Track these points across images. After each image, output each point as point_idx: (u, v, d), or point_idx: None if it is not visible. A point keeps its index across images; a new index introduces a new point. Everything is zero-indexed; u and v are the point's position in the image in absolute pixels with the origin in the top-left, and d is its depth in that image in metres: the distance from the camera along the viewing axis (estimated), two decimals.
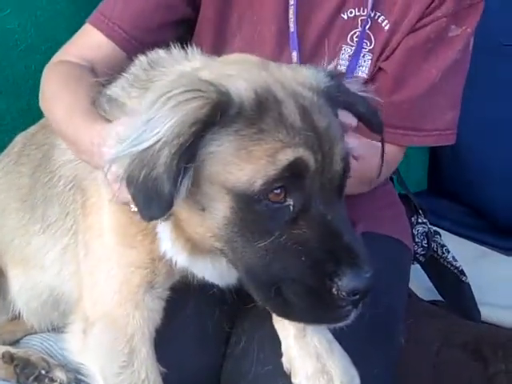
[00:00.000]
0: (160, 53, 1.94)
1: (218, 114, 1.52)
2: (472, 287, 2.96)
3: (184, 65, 1.83)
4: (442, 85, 2.25)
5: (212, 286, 1.93)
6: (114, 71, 2.03)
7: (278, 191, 1.52)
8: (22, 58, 2.98)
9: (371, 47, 2.23)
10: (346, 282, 1.50)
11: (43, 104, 2.13)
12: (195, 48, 1.91)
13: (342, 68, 2.25)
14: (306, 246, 1.53)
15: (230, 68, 1.67)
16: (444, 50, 2.24)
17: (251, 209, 1.53)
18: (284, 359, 1.87)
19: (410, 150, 2.44)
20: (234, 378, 1.97)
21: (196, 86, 1.53)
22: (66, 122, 1.95)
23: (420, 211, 2.82)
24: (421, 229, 2.80)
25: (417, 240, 2.78)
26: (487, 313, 3.04)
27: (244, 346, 1.99)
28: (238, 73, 1.63)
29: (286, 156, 1.51)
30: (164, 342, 1.90)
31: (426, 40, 2.23)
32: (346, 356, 1.85)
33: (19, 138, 2.48)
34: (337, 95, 1.73)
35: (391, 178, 2.76)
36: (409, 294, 3.03)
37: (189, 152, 1.50)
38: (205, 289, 1.96)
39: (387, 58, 2.25)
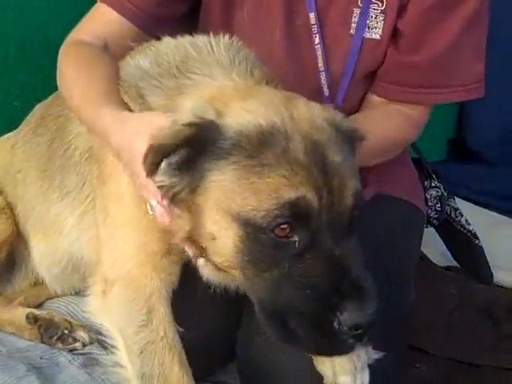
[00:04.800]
0: (188, 47, 1.96)
1: (204, 141, 1.58)
2: (487, 252, 2.99)
3: (212, 77, 1.86)
4: (465, 38, 2.21)
5: None
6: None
7: (284, 226, 1.54)
8: (41, 30, 3.01)
9: (383, 8, 2.20)
10: (347, 317, 1.51)
11: (61, 86, 2.16)
12: (222, 41, 1.95)
13: (352, 31, 2.23)
14: (311, 279, 1.55)
15: (251, 102, 1.68)
16: (463, 1, 2.17)
17: (257, 239, 1.56)
18: None
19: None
20: (248, 333, 2.01)
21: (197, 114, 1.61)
22: (81, 107, 1.99)
23: (433, 175, 2.85)
24: (434, 192, 2.80)
25: (430, 204, 2.79)
26: (501, 277, 3.06)
27: None
28: (255, 107, 1.65)
29: (289, 194, 1.53)
30: (181, 303, 1.94)
31: None
32: None
33: (37, 109, 2.54)
34: (355, 138, 1.77)
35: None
36: (422, 258, 3.10)
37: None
38: None
39: (402, 17, 2.21)
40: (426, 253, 3.17)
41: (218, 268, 1.73)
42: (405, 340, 2.20)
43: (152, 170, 1.60)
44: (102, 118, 1.87)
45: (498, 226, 3.57)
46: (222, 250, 1.63)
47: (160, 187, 1.63)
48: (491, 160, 4.12)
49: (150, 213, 1.75)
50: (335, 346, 1.57)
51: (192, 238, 1.71)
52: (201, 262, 1.79)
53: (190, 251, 1.78)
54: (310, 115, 1.66)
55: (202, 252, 1.72)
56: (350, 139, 1.73)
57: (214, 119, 1.61)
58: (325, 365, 1.83)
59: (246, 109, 1.64)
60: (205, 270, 1.82)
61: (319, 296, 1.53)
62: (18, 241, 2.50)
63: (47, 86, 2.59)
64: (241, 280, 1.67)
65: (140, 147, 1.66)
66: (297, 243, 1.56)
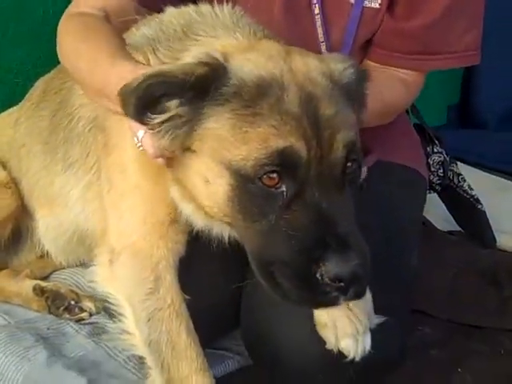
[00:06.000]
0: (192, 14, 1.96)
1: (212, 82, 1.59)
2: (490, 217, 3.00)
3: (217, 37, 1.86)
4: (459, 5, 2.22)
5: None
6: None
7: (272, 175, 1.56)
8: (39, 4, 3.01)
9: None
10: (329, 268, 1.51)
11: (63, 60, 2.16)
12: (226, 9, 1.95)
13: (352, 0, 2.22)
14: (297, 231, 1.56)
15: (252, 54, 1.70)
16: None
17: (247, 189, 1.58)
18: None
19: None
20: (252, 300, 2.03)
21: (203, 56, 1.63)
22: (91, 72, 1.96)
23: (436, 141, 2.85)
24: (436, 158, 2.81)
25: (432, 169, 2.80)
26: (504, 241, 3.08)
27: None
28: (256, 58, 1.67)
29: (277, 144, 1.55)
30: (187, 272, 1.96)
31: None
32: None
33: (39, 83, 2.55)
34: (357, 90, 1.77)
35: (406, 111, 2.78)
36: (426, 224, 3.12)
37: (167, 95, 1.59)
38: None
39: None
40: (429, 218, 3.20)
41: (209, 215, 1.75)
42: (407, 304, 2.20)
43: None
44: (119, 70, 1.84)
45: (500, 191, 3.60)
46: (214, 197, 1.64)
47: (160, 122, 1.63)
48: (494, 125, 4.14)
49: (138, 145, 1.74)
50: (319, 298, 1.57)
51: (182, 183, 1.73)
52: (190, 208, 1.81)
53: (177, 194, 1.80)
54: (307, 68, 1.67)
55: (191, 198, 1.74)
56: (350, 91, 1.73)
57: (223, 62, 1.62)
58: (327, 330, 1.84)
59: (248, 59, 1.66)
60: (194, 216, 1.83)
61: (303, 248, 1.54)
62: (23, 215, 2.52)
63: (48, 61, 2.61)
64: (232, 227, 1.70)
65: None
66: (284, 193, 1.57)
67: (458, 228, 3.13)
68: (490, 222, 3.02)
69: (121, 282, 1.95)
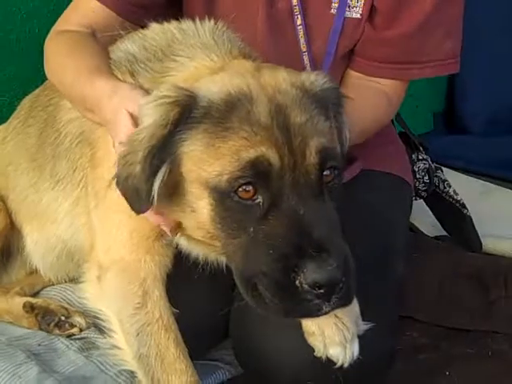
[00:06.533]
0: (174, 31, 2.00)
1: (185, 115, 1.62)
2: (476, 221, 3.04)
3: (193, 58, 1.90)
4: (438, 15, 2.25)
5: None
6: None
7: (247, 188, 1.59)
8: (25, 22, 3.02)
9: None
10: (307, 275, 1.53)
11: (50, 75, 2.20)
12: (207, 25, 1.99)
13: (333, 10, 2.26)
14: (274, 240, 1.57)
15: (221, 74, 1.75)
16: None
17: (225, 205, 1.61)
18: None
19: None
20: (241, 312, 2.04)
21: (171, 92, 1.65)
22: (74, 84, 2.01)
23: (420, 148, 2.88)
24: (422, 165, 2.85)
25: (418, 176, 2.84)
26: (490, 245, 3.12)
27: None
28: (223, 78, 1.71)
29: (249, 154, 1.57)
30: (175, 286, 1.99)
31: None
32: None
33: (26, 101, 2.57)
34: (331, 99, 1.79)
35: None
36: (413, 230, 3.16)
37: (163, 152, 1.63)
38: None
39: None
40: (417, 224, 3.23)
41: (200, 242, 1.78)
42: (395, 310, 2.23)
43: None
44: (97, 87, 1.90)
45: (485, 194, 3.63)
46: (201, 222, 1.68)
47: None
48: (479, 130, 4.18)
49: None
50: (302, 307, 1.58)
51: (176, 220, 1.77)
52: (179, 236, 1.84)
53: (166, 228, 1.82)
54: (276, 81, 1.70)
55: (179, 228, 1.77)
56: (322, 99, 1.75)
57: (191, 92, 1.65)
58: (315, 338, 1.87)
59: (214, 80, 1.70)
60: (185, 242, 1.87)
61: (281, 256, 1.56)
62: (12, 232, 2.53)
63: (35, 78, 2.63)
64: (221, 251, 1.72)
65: (124, 120, 1.74)
66: (261, 204, 1.60)
67: (445, 233, 3.16)
68: (476, 225, 3.05)
69: (109, 298, 1.98)
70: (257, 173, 1.58)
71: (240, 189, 1.59)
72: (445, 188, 2.96)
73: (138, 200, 1.66)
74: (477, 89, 4.21)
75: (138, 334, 1.91)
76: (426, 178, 2.88)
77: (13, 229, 2.52)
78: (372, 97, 2.30)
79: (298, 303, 1.57)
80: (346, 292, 1.59)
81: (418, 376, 2.23)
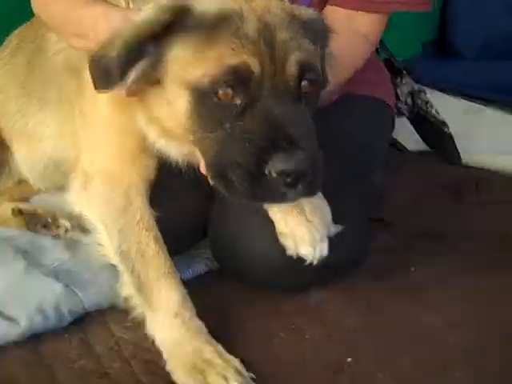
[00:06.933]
0: None
1: (177, 23, 1.74)
2: (457, 138, 3.17)
3: None
4: None
5: None
6: None
7: (227, 91, 1.71)
8: None
9: None
10: (275, 164, 1.66)
11: (39, 9, 2.26)
12: None
13: None
14: (249, 135, 1.71)
15: None
16: None
17: (204, 104, 1.74)
18: None
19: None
20: (219, 212, 2.16)
21: (168, 2, 1.77)
22: (68, 12, 2.08)
23: (404, 72, 2.95)
24: (405, 89, 2.97)
25: (401, 99, 2.95)
26: (469, 158, 3.22)
27: None
28: None
29: (232, 60, 1.70)
30: (157, 194, 2.10)
31: None
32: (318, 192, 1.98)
33: (13, 35, 2.63)
34: (318, 29, 1.89)
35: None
36: (398, 147, 3.27)
37: (145, 47, 1.74)
38: None
39: None
40: (401, 140, 3.31)
41: (174, 138, 1.90)
42: (367, 216, 2.33)
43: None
44: (94, 10, 1.99)
45: (468, 113, 3.69)
46: (176, 115, 1.80)
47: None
48: (471, 56, 4.19)
49: None
50: (269, 193, 1.72)
51: (149, 111, 1.88)
52: (155, 133, 1.94)
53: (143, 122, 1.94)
54: (267, 4, 1.82)
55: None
56: (310, 27, 1.85)
57: (186, 3, 1.77)
58: (287, 238, 1.99)
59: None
60: (159, 140, 1.96)
61: (255, 149, 1.70)
62: (1, 148, 2.59)
63: (21, 16, 2.60)
64: (194, 143, 1.83)
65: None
66: (238, 105, 1.72)
67: (427, 148, 3.26)
68: (457, 142, 3.16)
69: (94, 204, 2.09)
70: (237, 78, 1.71)
71: (220, 91, 1.72)
72: (427, 108, 3.05)
73: (105, 81, 1.77)
74: (468, 15, 4.21)
75: (119, 233, 2.02)
76: (409, 100, 2.96)
77: (2, 144, 2.58)
78: (353, 42, 2.30)
79: (266, 188, 1.70)
80: (311, 182, 1.73)
81: (384, 273, 2.30)
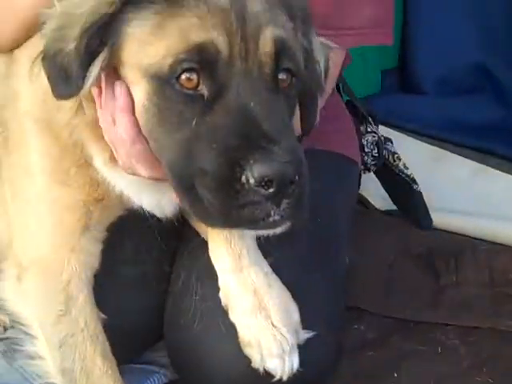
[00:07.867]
0: None
1: None
2: (427, 191, 2.96)
3: None
4: None
5: (151, 217, 1.84)
6: None
7: (191, 76, 1.45)
8: None
9: None
10: (253, 168, 1.36)
11: None
12: None
13: None
14: (219, 133, 1.42)
15: None
16: None
17: (165, 94, 1.47)
18: (221, 294, 1.83)
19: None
20: (175, 316, 1.94)
21: None
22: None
23: (369, 119, 2.75)
24: (370, 138, 2.75)
25: (367, 150, 2.74)
26: (441, 220, 3.03)
27: (183, 281, 1.95)
28: None
29: (198, 37, 1.44)
30: (102, 287, 1.84)
31: None
32: (284, 290, 1.81)
33: None
34: (298, 9, 1.63)
35: (337, 88, 2.66)
36: (364, 204, 3.09)
37: (104, 33, 1.47)
38: (143, 226, 1.89)
39: None
40: (367, 197, 3.15)
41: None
42: (341, 307, 2.13)
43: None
44: None
45: (438, 162, 3.53)
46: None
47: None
48: (430, 90, 4.13)
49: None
50: (247, 212, 1.39)
51: None
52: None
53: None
54: None
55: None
56: (288, 3, 1.60)
57: None
58: (251, 349, 1.77)
59: None
60: (117, 180, 1.72)
61: (225, 150, 1.40)
62: None
63: None
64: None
65: None
66: (205, 96, 1.46)
67: (395, 207, 3.07)
68: (427, 196, 2.97)
69: (30, 303, 1.83)
70: (203, 59, 1.44)
71: (183, 76, 1.44)
72: (394, 161, 2.87)
73: (63, 82, 1.48)
74: (428, 48, 4.13)
75: (60, 346, 1.77)
76: (375, 151, 2.77)
77: None
78: None
79: (243, 206, 1.39)
80: (298, 197, 1.42)
81: (364, 378, 2.13)
